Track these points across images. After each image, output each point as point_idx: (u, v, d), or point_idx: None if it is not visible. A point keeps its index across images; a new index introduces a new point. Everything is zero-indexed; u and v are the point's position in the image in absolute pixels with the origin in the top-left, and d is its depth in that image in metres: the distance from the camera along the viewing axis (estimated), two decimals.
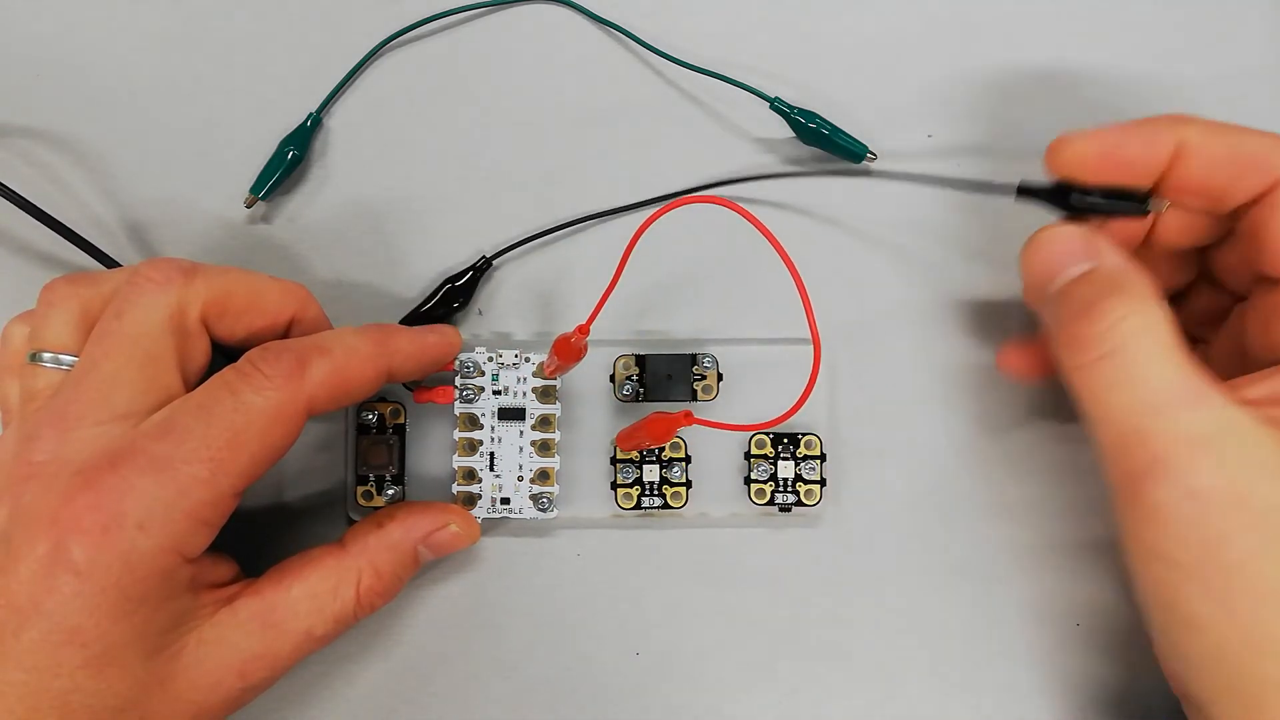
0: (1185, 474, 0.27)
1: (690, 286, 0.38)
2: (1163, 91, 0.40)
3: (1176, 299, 0.36)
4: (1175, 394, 0.27)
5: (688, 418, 0.31)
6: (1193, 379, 0.28)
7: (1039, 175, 0.32)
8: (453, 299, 0.37)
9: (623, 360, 0.37)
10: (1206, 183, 0.31)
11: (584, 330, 0.32)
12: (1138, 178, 0.31)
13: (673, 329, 0.38)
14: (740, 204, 0.39)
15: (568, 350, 0.33)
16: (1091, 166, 0.31)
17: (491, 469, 0.36)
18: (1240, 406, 0.27)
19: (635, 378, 0.37)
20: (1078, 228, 0.31)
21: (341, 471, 0.37)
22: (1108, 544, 0.37)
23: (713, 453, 0.37)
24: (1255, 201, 0.31)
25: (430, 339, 0.34)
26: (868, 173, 0.39)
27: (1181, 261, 0.35)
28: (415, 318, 0.37)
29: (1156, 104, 0.39)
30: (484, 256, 0.33)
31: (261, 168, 0.38)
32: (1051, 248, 0.31)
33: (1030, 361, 0.35)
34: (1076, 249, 0.31)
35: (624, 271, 0.38)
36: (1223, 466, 0.27)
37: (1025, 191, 0.33)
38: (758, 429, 0.31)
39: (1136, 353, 0.28)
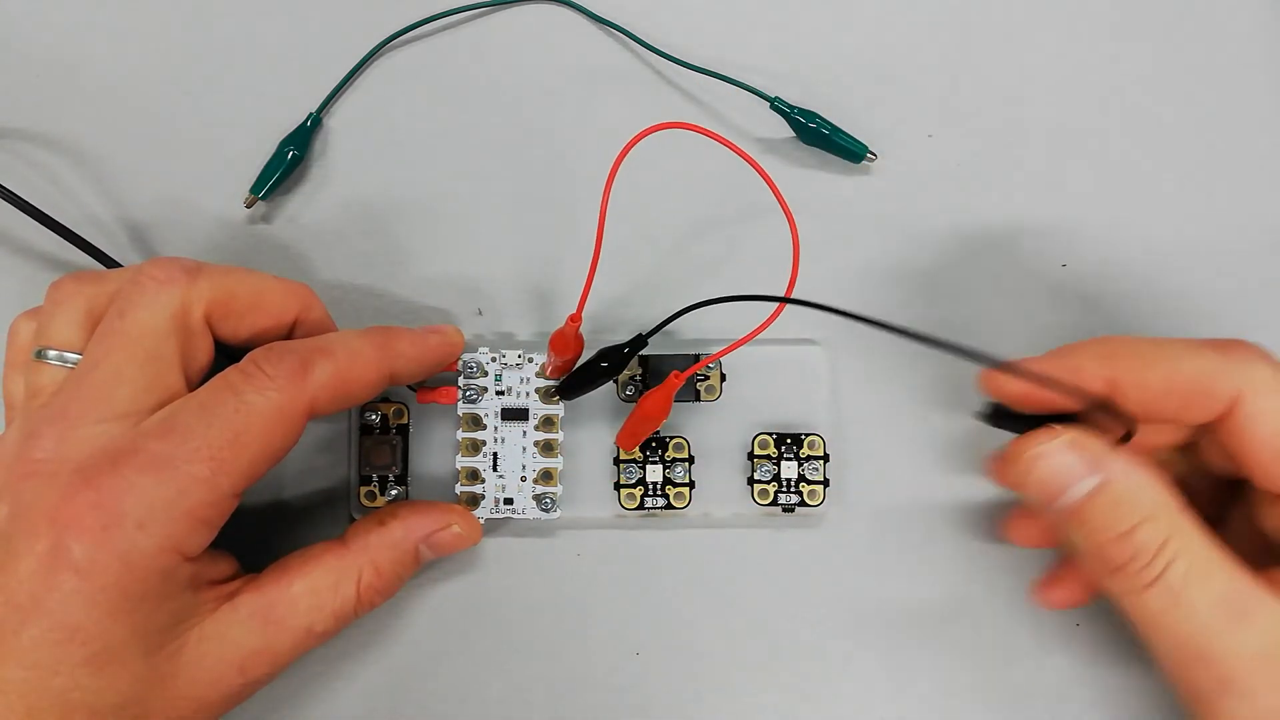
0: (1254, 694, 0.26)
1: (692, 285, 0.38)
2: (1163, 86, 0.40)
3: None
4: (1229, 612, 0.27)
5: (677, 378, 0.31)
6: (1242, 590, 0.27)
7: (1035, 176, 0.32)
8: (601, 362, 0.34)
9: None
10: (1151, 413, 0.29)
11: (575, 319, 0.32)
12: (1076, 407, 0.30)
13: (676, 329, 0.38)
14: (740, 204, 0.39)
15: (564, 343, 0.33)
16: (1020, 403, 0.30)
17: (495, 469, 0.36)
18: None
19: (638, 378, 0.37)
20: (1072, 438, 0.29)
21: (344, 471, 0.37)
22: None
23: (716, 453, 0.37)
24: (1218, 421, 0.29)
25: (432, 340, 0.34)
26: (868, 173, 0.39)
27: (1170, 453, 0.33)
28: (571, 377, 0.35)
29: (1155, 100, 0.40)
30: (640, 334, 0.33)
31: (261, 168, 0.38)
32: (1049, 465, 0.29)
33: (1037, 536, 0.34)
34: (1078, 464, 0.29)
35: (624, 271, 0.38)
36: None
37: (997, 418, 0.31)
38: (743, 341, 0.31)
39: (1182, 578, 0.27)
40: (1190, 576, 0.27)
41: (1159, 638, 0.28)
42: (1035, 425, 0.30)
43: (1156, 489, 0.28)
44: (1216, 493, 0.33)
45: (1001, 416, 0.31)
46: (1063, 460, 0.29)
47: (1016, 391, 0.30)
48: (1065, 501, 0.29)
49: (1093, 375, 0.29)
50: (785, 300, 0.30)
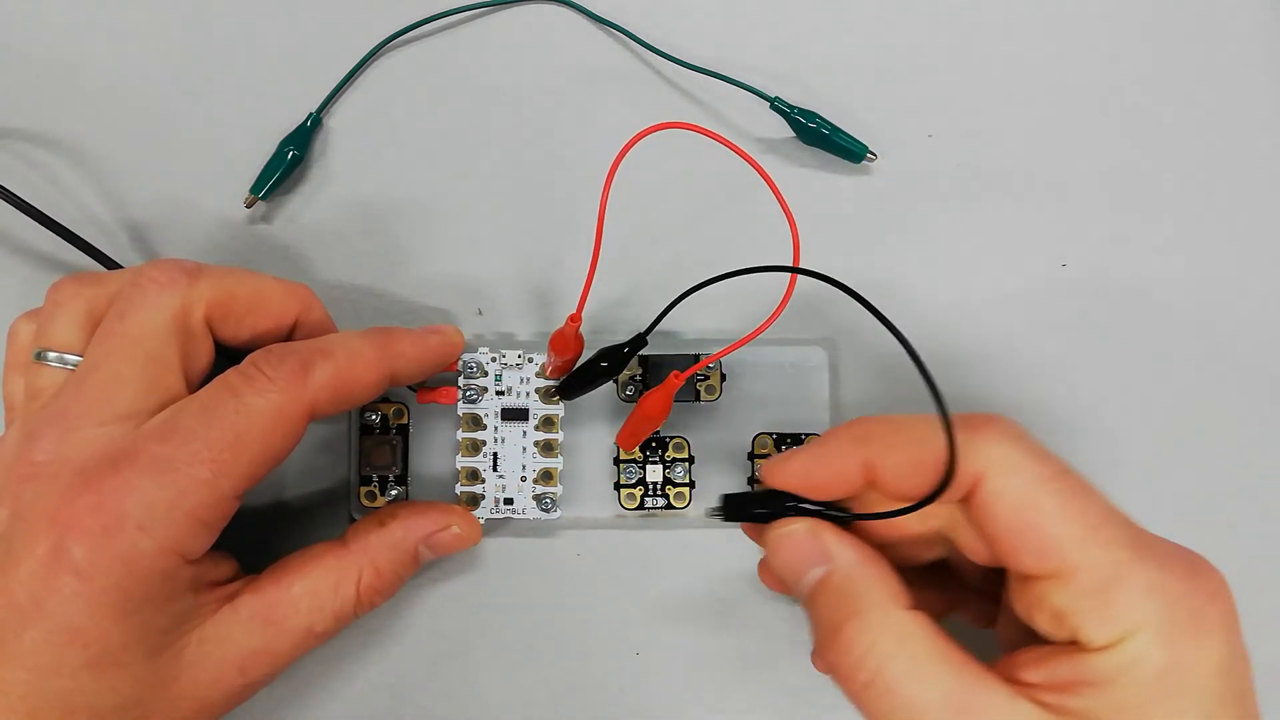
0: None
1: (692, 284, 0.38)
2: (1163, 86, 0.40)
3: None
4: (953, 711, 0.26)
5: (677, 378, 0.31)
6: (964, 684, 0.26)
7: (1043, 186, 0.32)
8: (601, 362, 0.34)
9: None
10: (905, 493, 0.28)
11: (575, 319, 0.32)
12: (846, 491, 0.29)
13: (677, 330, 0.38)
14: (740, 204, 0.39)
15: (563, 343, 0.33)
16: (800, 491, 0.30)
17: (495, 469, 0.36)
18: (1020, 701, 0.26)
19: (638, 378, 0.37)
20: (810, 526, 0.29)
21: (344, 472, 0.37)
22: None
23: (716, 453, 0.37)
24: (965, 501, 0.28)
25: (432, 340, 0.34)
26: (868, 173, 0.39)
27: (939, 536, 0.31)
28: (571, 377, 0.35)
29: (1155, 100, 0.40)
30: (640, 334, 0.33)
31: (261, 168, 0.38)
32: (784, 551, 0.29)
33: (778, 584, 0.33)
34: (809, 550, 0.29)
35: (624, 271, 0.38)
36: None
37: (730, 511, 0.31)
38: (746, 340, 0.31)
39: (900, 678, 0.26)
40: (909, 676, 0.26)
41: None
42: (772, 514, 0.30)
43: (877, 586, 0.28)
44: (989, 574, 0.32)
45: (734, 509, 0.31)
46: (800, 546, 0.29)
47: (794, 480, 0.30)
48: (802, 587, 0.29)
49: (848, 459, 0.29)
50: (793, 270, 0.29)
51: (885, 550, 0.29)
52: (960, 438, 0.26)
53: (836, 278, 0.36)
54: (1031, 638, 0.28)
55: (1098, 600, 0.25)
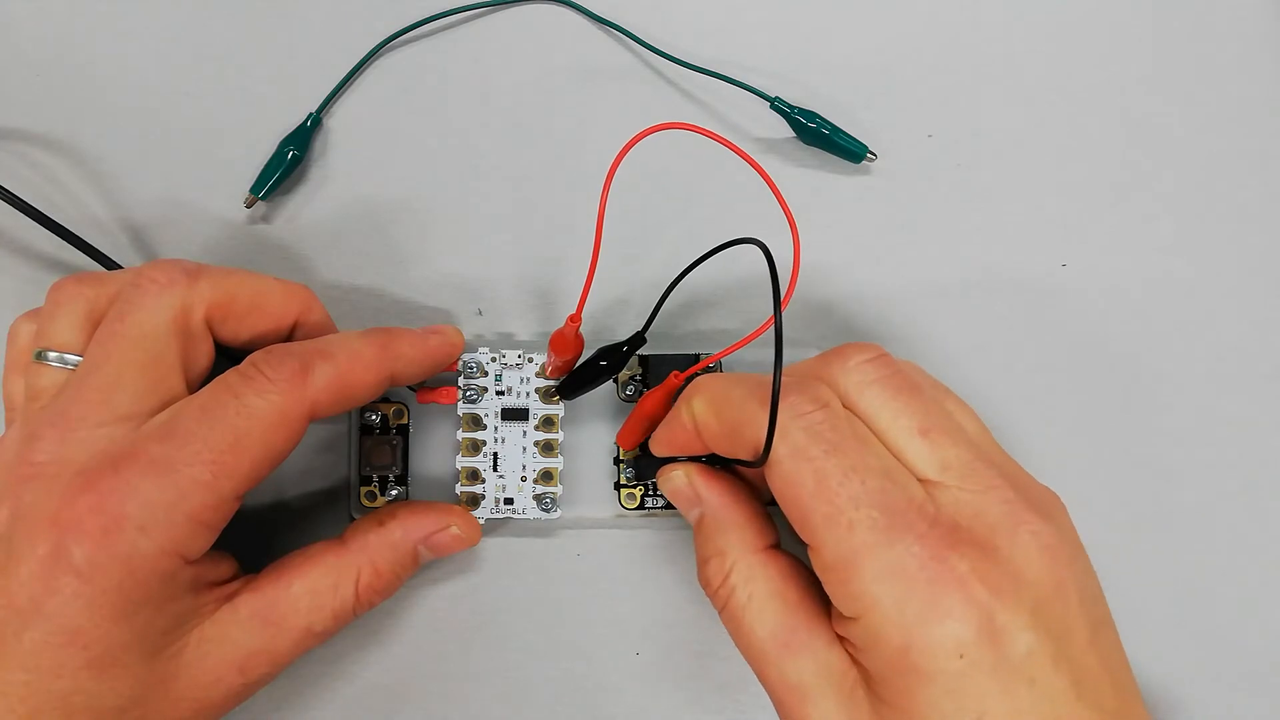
0: (792, 718, 0.29)
1: (692, 284, 0.38)
2: (1164, 86, 0.40)
3: None
4: (776, 645, 0.29)
5: (677, 378, 0.32)
6: (791, 624, 0.29)
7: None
8: (601, 361, 0.35)
9: None
10: (719, 448, 0.31)
11: (575, 319, 0.32)
12: (702, 446, 0.32)
13: (677, 330, 0.38)
14: (740, 204, 0.39)
15: (563, 343, 0.33)
16: (668, 454, 0.33)
17: (495, 469, 0.36)
18: (836, 648, 0.29)
19: (638, 378, 0.37)
20: (686, 471, 0.33)
21: (345, 471, 0.37)
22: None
23: None
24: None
25: (432, 341, 0.34)
26: (868, 173, 0.39)
27: None
28: (570, 377, 0.35)
29: (1155, 100, 0.40)
30: (639, 332, 0.33)
31: (261, 168, 0.38)
32: (669, 495, 0.33)
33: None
34: (685, 495, 0.33)
35: (624, 271, 0.38)
36: (819, 711, 0.28)
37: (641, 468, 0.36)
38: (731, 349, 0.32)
39: (742, 610, 0.30)
40: (749, 609, 0.30)
41: (739, 650, 0.31)
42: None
43: (733, 530, 0.31)
44: None
45: (644, 467, 0.37)
46: (677, 492, 0.33)
47: (661, 450, 0.33)
48: (689, 522, 0.33)
49: (688, 416, 0.31)
50: (742, 242, 0.30)
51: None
52: (755, 409, 0.29)
53: (838, 278, 0.37)
54: None
55: (837, 577, 0.27)
